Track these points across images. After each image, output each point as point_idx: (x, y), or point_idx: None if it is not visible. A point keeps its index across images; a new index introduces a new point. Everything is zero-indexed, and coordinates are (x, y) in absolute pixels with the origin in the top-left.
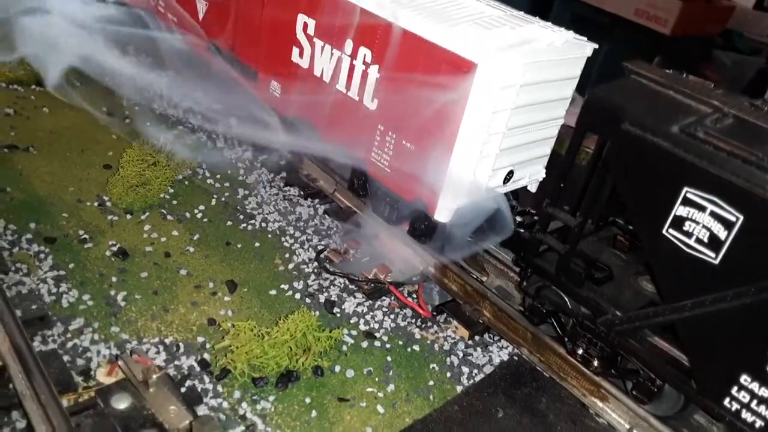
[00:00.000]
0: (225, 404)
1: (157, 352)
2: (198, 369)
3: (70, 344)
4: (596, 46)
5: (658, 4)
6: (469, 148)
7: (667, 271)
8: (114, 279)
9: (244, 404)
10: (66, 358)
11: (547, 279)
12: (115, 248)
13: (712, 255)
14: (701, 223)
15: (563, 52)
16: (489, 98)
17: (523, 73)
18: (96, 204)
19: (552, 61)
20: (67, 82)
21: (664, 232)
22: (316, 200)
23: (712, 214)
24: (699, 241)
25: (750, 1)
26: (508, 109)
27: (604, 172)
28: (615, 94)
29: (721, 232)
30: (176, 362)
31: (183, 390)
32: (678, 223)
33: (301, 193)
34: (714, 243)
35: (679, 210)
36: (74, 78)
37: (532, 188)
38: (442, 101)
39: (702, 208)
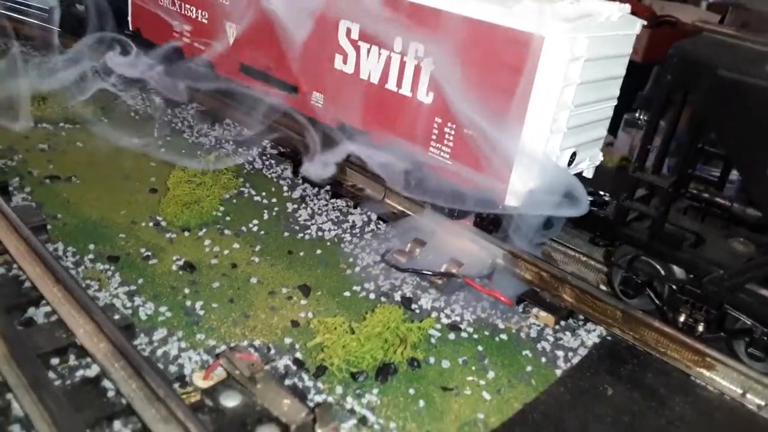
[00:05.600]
0: (330, 399)
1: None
2: (294, 368)
3: (159, 352)
4: (644, 22)
5: None
6: (539, 125)
7: None
8: (187, 291)
9: (349, 398)
10: (159, 366)
11: (640, 247)
12: (180, 262)
13: None
14: None
15: (619, 27)
16: (558, 71)
17: (587, 46)
18: (151, 224)
19: (610, 36)
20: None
21: None
22: (366, 208)
23: None
24: None
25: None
26: (574, 84)
27: (695, 124)
28: (699, 47)
29: None
30: (271, 363)
31: None
32: None
33: (350, 203)
34: None
35: None
36: (101, 114)
37: (589, 173)
38: (508, 81)
39: None
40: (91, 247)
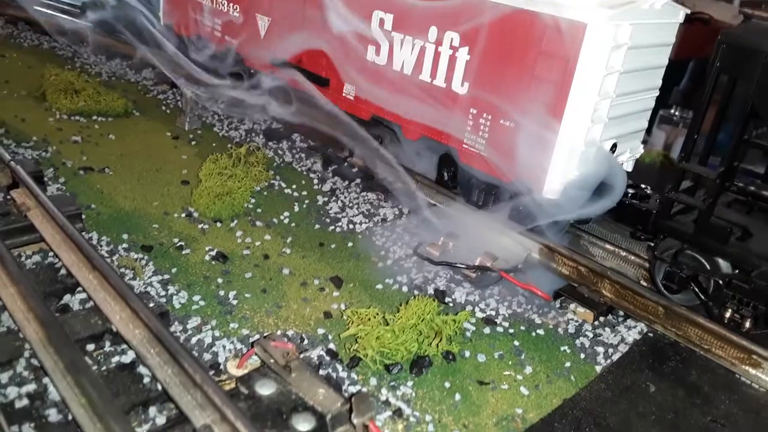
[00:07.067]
0: (364, 391)
1: None
2: (328, 358)
3: (193, 340)
4: (688, 11)
5: None
6: (579, 114)
7: None
8: (220, 280)
9: (383, 390)
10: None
11: (685, 240)
12: (213, 253)
13: None
14: None
15: (662, 15)
16: (600, 59)
17: (630, 33)
18: (183, 215)
19: (653, 24)
20: (126, 111)
21: None
22: (398, 201)
23: None
24: None
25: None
26: (617, 73)
27: (744, 113)
28: (748, 35)
29: None
30: (305, 353)
31: None
32: None
33: (380, 196)
34: None
35: None
36: (132, 108)
37: (629, 166)
38: (548, 69)
39: None
40: (125, 236)
